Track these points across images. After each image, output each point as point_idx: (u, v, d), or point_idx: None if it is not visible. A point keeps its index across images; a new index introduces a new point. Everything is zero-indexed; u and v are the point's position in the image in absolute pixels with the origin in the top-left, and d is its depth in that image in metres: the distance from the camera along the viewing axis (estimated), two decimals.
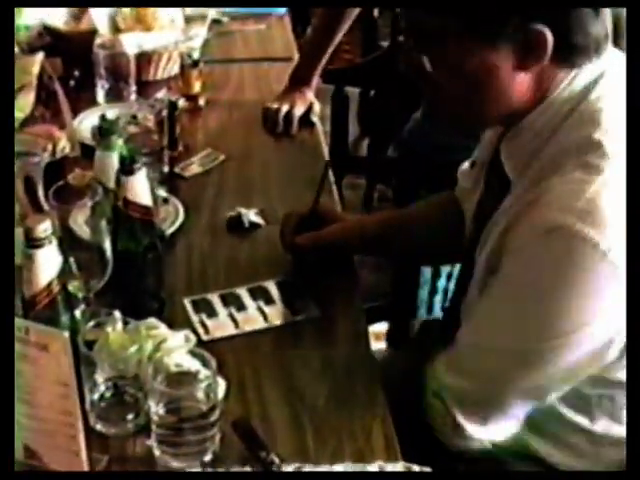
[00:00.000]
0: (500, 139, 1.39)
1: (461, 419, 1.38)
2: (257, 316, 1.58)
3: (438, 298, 2.15)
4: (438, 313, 2.16)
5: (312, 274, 1.68)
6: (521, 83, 1.28)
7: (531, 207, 1.25)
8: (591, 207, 1.19)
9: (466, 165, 1.62)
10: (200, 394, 1.27)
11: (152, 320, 1.41)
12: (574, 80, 1.28)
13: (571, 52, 1.26)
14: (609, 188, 1.20)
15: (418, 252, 1.80)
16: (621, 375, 1.31)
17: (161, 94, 2.09)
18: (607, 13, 1.25)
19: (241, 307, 1.59)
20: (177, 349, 1.34)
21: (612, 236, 1.18)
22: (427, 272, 2.16)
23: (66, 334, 1.14)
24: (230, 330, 1.55)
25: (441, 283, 2.13)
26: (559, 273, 1.21)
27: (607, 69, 1.29)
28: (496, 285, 1.31)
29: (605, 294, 1.21)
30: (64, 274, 1.31)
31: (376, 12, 3.24)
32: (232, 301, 1.60)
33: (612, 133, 1.24)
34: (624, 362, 1.28)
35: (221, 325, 1.55)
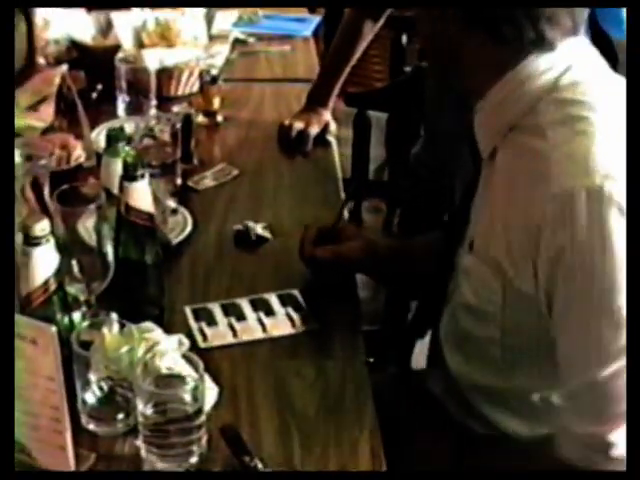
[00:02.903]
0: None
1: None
2: (256, 327, 1.59)
3: None
4: None
5: (325, 287, 1.70)
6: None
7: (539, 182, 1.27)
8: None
9: None
10: (187, 396, 1.28)
11: (148, 324, 1.43)
12: (533, 62, 1.32)
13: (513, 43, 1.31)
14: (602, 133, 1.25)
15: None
16: None
17: (179, 108, 2.12)
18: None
19: (241, 317, 1.61)
20: (169, 352, 1.35)
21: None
22: None
23: (53, 328, 1.17)
24: (229, 339, 1.57)
25: None
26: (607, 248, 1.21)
27: (574, 62, 1.33)
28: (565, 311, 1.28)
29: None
30: (61, 274, 1.34)
31: (404, 39, 3.27)
32: (233, 311, 1.62)
33: (596, 109, 1.28)
34: None
35: (220, 334, 1.57)
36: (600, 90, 1.32)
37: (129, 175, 1.45)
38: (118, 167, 1.54)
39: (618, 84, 1.37)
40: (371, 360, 1.62)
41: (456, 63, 1.38)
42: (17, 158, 1.64)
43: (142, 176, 1.45)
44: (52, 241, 1.31)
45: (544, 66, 1.32)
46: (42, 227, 1.29)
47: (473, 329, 1.46)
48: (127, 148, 1.61)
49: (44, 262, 1.31)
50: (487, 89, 1.37)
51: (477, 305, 1.42)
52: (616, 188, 1.20)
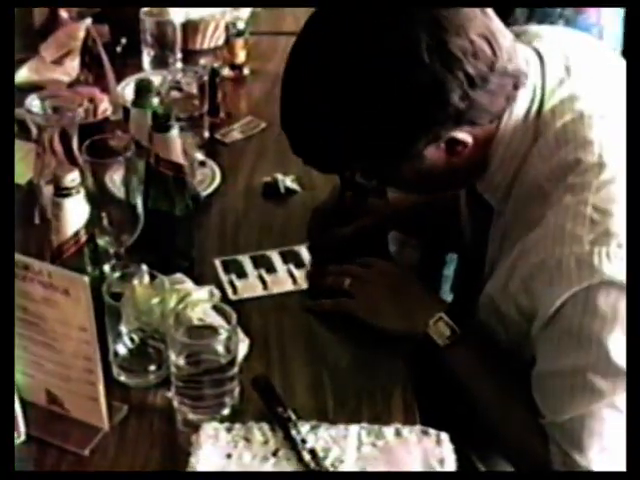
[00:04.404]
0: None
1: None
2: (286, 278, 1.58)
3: None
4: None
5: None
6: (462, 158, 1.27)
7: (537, 245, 1.23)
8: (599, 218, 1.18)
9: None
10: (219, 347, 1.28)
11: (179, 275, 1.43)
12: (511, 115, 1.27)
13: (488, 123, 1.25)
14: (602, 192, 1.19)
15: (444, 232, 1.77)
16: None
17: (205, 61, 2.10)
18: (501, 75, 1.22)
19: (271, 269, 1.60)
20: (201, 303, 1.35)
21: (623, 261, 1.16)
22: None
23: (85, 278, 1.16)
24: (258, 291, 1.56)
25: None
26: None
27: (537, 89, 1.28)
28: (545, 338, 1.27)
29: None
30: (92, 225, 1.33)
31: None
32: (262, 263, 1.61)
33: (583, 144, 1.23)
34: None
35: (250, 286, 1.56)
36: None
37: (159, 126, 1.43)
38: (147, 119, 1.52)
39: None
40: None
41: (432, 184, 1.35)
42: (47, 110, 1.63)
43: (172, 127, 1.44)
44: (82, 192, 1.29)
45: (520, 115, 1.27)
46: (72, 178, 1.27)
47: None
48: (155, 99, 1.59)
49: (75, 213, 1.29)
50: (486, 167, 1.32)
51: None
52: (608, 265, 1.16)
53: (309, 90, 1.25)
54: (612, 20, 2.18)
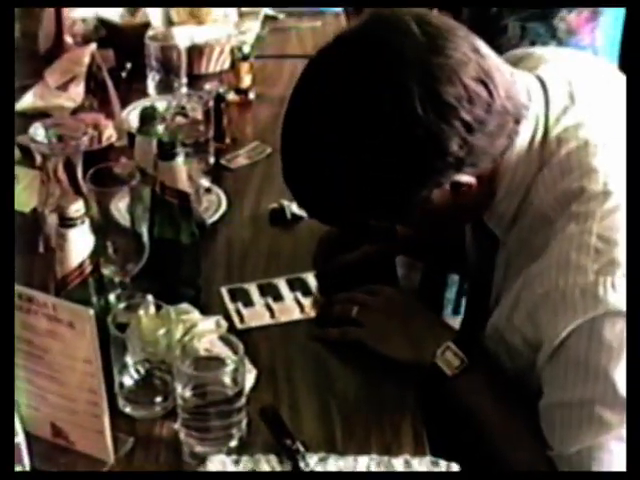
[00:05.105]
0: None
1: None
2: (294, 307, 1.57)
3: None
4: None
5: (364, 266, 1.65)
6: (468, 196, 1.25)
7: (542, 275, 1.22)
8: (603, 247, 1.16)
9: None
10: (226, 379, 1.26)
11: (185, 305, 1.42)
12: (515, 147, 1.25)
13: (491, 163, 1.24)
14: (607, 221, 1.18)
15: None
16: None
17: (210, 86, 2.09)
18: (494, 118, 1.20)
19: (278, 297, 1.58)
20: (207, 334, 1.33)
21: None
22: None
23: (91, 311, 1.15)
24: (266, 320, 1.54)
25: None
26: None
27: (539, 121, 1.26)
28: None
29: None
30: (96, 255, 1.31)
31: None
32: (269, 291, 1.59)
33: (588, 172, 1.22)
34: None
35: (257, 314, 1.55)
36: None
37: (164, 154, 1.42)
38: (153, 146, 1.52)
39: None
40: None
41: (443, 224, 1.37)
42: (52, 138, 1.61)
43: (177, 155, 1.43)
44: (87, 222, 1.28)
45: (523, 142, 1.25)
46: (77, 208, 1.26)
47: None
48: (160, 127, 1.58)
49: (79, 243, 1.28)
50: (491, 201, 1.30)
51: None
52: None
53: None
54: (606, 41, 2.16)
